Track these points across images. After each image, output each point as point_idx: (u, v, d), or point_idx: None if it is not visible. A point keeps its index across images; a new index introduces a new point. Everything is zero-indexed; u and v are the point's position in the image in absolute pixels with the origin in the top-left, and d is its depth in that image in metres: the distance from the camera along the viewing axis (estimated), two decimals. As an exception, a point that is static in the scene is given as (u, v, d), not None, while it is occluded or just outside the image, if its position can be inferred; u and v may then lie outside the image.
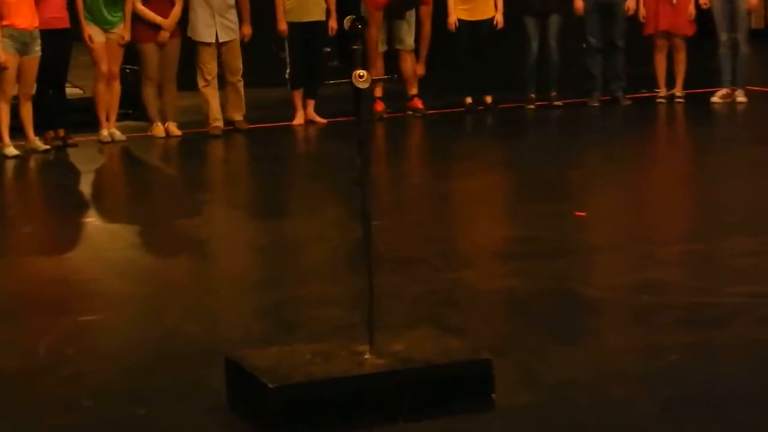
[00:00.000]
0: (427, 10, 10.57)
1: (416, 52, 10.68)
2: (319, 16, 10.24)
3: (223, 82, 10.18)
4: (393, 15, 10.48)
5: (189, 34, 10.08)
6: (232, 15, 10.01)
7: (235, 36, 10.08)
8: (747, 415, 3.69)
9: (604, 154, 9.08)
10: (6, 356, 4.73)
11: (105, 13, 9.72)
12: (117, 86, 9.96)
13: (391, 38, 10.56)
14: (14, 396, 4.24)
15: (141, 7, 9.80)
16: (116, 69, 9.93)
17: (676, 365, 4.28)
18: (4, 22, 9.06)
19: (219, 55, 10.07)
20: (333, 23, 10.20)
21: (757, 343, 4.48)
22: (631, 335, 4.69)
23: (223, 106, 10.16)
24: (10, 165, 9.06)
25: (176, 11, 9.92)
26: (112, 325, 5.20)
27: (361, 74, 3.88)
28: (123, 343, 4.94)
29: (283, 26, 10.23)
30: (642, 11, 10.67)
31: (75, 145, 9.66)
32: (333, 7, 10.27)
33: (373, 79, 3.97)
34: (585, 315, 4.95)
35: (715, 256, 5.89)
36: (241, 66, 10.14)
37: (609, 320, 4.90)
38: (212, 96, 10.06)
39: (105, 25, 9.73)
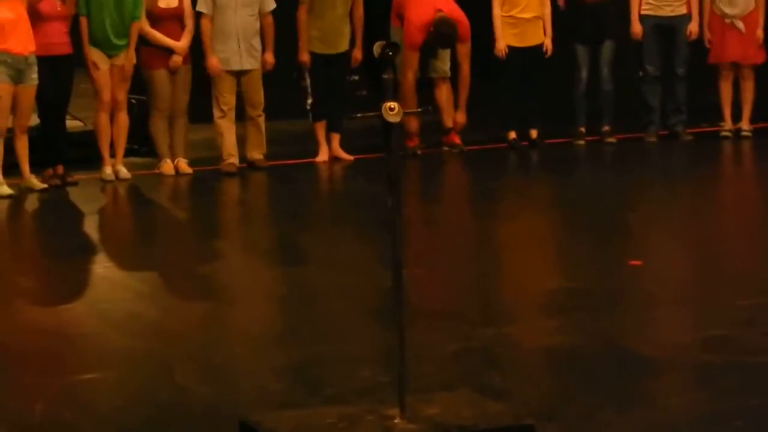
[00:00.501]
0: (465, 50, 10.60)
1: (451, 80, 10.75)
2: (344, 47, 10.31)
3: (241, 116, 10.20)
4: (428, 54, 10.54)
5: (211, 62, 10.09)
6: (257, 42, 10.08)
7: (257, 65, 10.15)
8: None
9: (663, 196, 9.07)
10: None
11: (112, 37, 9.78)
12: (124, 117, 10.02)
13: (425, 67, 10.59)
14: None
15: (150, 30, 9.87)
16: (123, 98, 9.97)
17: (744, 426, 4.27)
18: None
19: (238, 86, 10.11)
20: (357, 53, 10.24)
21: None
22: (691, 399, 4.67)
23: (242, 143, 10.18)
24: (3, 205, 9.12)
25: (188, 33, 9.99)
26: (114, 385, 5.21)
27: (392, 106, 3.90)
28: (125, 405, 4.95)
29: (305, 57, 10.28)
30: (707, 34, 10.69)
31: (75, 184, 9.72)
32: (359, 36, 10.29)
33: (405, 112, 4.00)
34: (641, 376, 4.93)
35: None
36: (263, 99, 10.18)
37: (667, 382, 4.88)
38: (228, 129, 10.11)
39: (110, 51, 9.79)
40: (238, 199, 9.76)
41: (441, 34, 10.32)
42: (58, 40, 9.55)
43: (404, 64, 10.27)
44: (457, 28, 10.44)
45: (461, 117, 10.68)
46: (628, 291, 6.28)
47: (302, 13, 10.27)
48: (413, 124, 10.42)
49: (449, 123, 10.69)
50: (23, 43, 9.24)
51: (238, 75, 10.09)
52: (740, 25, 10.55)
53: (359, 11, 10.37)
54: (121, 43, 9.81)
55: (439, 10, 10.37)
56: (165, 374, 5.26)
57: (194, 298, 6.74)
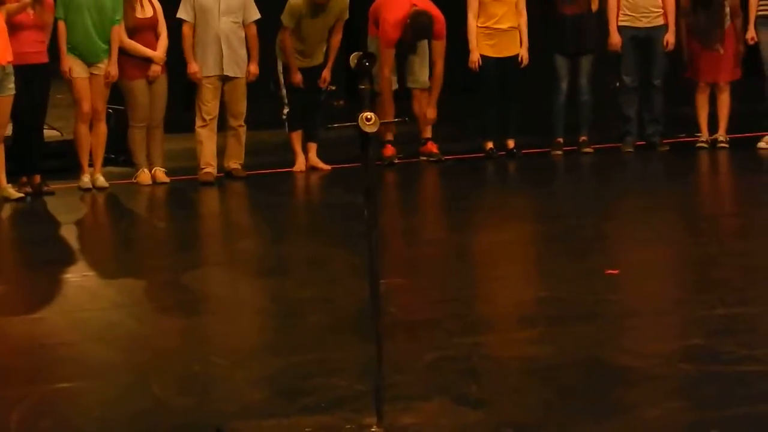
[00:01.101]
0: (439, 47, 10.65)
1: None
2: (320, 60, 10.43)
3: (222, 126, 10.19)
4: (405, 50, 10.57)
5: (190, 69, 10.09)
6: (243, 51, 10.09)
7: (242, 74, 10.18)
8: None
9: (640, 206, 9.10)
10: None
11: (96, 45, 9.77)
12: (103, 128, 10.01)
13: (403, 76, 10.61)
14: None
15: (128, 40, 9.86)
16: (102, 108, 9.97)
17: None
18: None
19: (222, 95, 10.10)
20: (327, 73, 10.31)
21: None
22: (669, 409, 4.68)
23: (220, 153, 10.18)
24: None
25: (164, 41, 10.00)
26: (92, 395, 5.20)
27: (369, 117, 3.91)
28: (103, 415, 4.94)
29: (297, 78, 10.34)
30: (685, 53, 10.76)
31: (52, 193, 9.71)
32: (332, 59, 10.33)
33: (381, 123, 4.00)
34: (619, 386, 4.94)
35: (764, 321, 5.89)
36: (245, 110, 10.18)
37: (645, 392, 4.89)
38: (208, 138, 10.12)
39: (90, 59, 9.77)
40: (215, 209, 9.75)
41: (417, 24, 10.37)
42: (33, 49, 9.52)
43: (381, 61, 10.36)
44: (432, 20, 10.49)
45: (432, 113, 10.70)
46: (605, 301, 6.30)
47: (286, 37, 10.32)
48: (390, 133, 10.44)
49: (427, 134, 10.71)
50: (0, 52, 9.23)
51: (222, 83, 10.07)
52: (719, 47, 10.59)
53: (338, 36, 10.43)
54: (101, 52, 9.79)
55: (414, 5, 10.43)
56: (142, 384, 5.25)
57: (172, 309, 6.73)
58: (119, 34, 9.81)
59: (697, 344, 5.49)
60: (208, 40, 10.03)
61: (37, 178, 9.76)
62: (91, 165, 9.90)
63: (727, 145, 10.78)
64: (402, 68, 10.68)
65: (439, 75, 10.69)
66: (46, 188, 9.73)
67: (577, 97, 10.81)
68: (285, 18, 10.33)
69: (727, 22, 10.64)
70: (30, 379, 5.51)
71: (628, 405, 4.73)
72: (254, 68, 10.18)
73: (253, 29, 10.18)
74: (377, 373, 3.91)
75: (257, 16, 10.18)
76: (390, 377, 3.98)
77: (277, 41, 10.36)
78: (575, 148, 10.82)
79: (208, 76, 10.02)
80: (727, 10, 10.64)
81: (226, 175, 10.20)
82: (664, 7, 10.68)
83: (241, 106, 10.19)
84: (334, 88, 10.85)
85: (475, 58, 10.66)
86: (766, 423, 4.46)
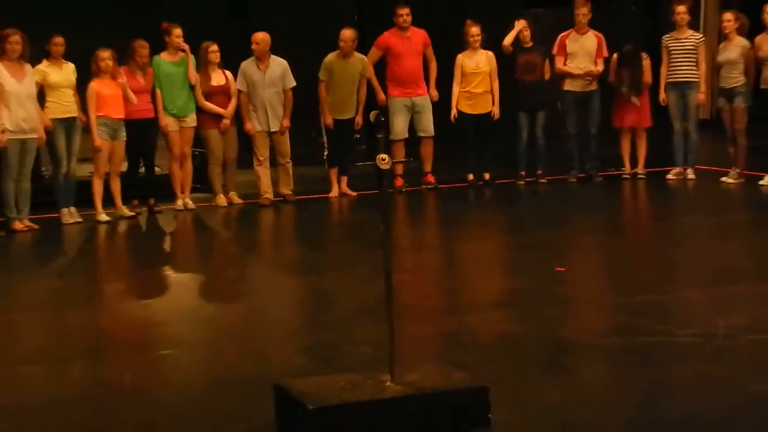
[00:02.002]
0: (430, 52, 10.62)
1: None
2: (350, 114, 10.28)
3: (274, 163, 10.19)
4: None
5: (247, 126, 10.08)
6: (281, 108, 10.06)
7: (277, 126, 10.07)
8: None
9: (580, 221, 9.09)
10: (95, 386, 4.75)
11: (182, 105, 9.78)
12: (189, 165, 9.98)
13: (415, 128, 10.54)
14: (102, 421, 4.25)
15: (204, 102, 9.85)
16: (188, 151, 9.97)
17: (642, 395, 4.26)
18: (100, 113, 9.14)
19: (271, 141, 10.10)
20: (359, 119, 10.23)
21: (707, 376, 4.47)
22: (603, 370, 4.67)
23: (275, 183, 10.17)
24: (102, 229, 9.11)
25: (233, 104, 9.99)
26: (181, 361, 5.21)
27: (383, 158, 3.93)
28: (190, 374, 4.95)
29: (329, 120, 10.25)
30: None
31: (160, 212, 9.70)
32: (361, 108, 10.26)
33: (393, 162, 4.02)
34: (565, 353, 4.93)
35: (672, 305, 5.87)
36: (289, 150, 10.16)
37: (585, 357, 4.88)
38: (264, 173, 10.09)
39: (179, 115, 9.78)
40: (271, 224, 9.73)
41: None
42: (144, 107, 9.54)
43: (369, 56, 10.44)
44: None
45: (433, 93, 10.66)
46: (556, 291, 6.27)
47: (322, 90, 10.23)
48: (400, 168, 10.41)
49: (427, 168, 10.67)
50: (118, 109, 9.24)
51: (270, 134, 10.06)
52: (635, 100, 10.58)
53: (363, 90, 10.31)
54: (188, 110, 9.80)
55: None
56: (218, 353, 5.26)
57: (238, 297, 6.74)
58: (200, 99, 9.81)
59: (623, 322, 5.47)
60: (257, 105, 9.98)
61: (152, 201, 9.77)
62: (182, 192, 9.90)
63: (644, 177, 10.74)
64: (415, 122, 10.58)
65: (433, 69, 10.68)
66: (156, 209, 9.74)
67: (535, 142, 10.76)
68: (320, 73, 10.23)
69: (645, 85, 10.62)
70: (139, 347, 5.52)
71: (572, 367, 4.73)
72: (286, 122, 10.04)
73: (289, 94, 10.07)
74: (390, 344, 3.90)
75: (293, 84, 10.07)
76: (399, 347, 3.97)
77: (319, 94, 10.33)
78: (534, 179, 10.77)
79: (259, 131, 10.01)
80: (647, 80, 10.62)
81: (280, 200, 10.18)
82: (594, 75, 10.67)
83: (286, 148, 10.11)
84: (359, 136, 10.83)
85: (453, 113, 10.60)
86: (674, 379, 4.45)
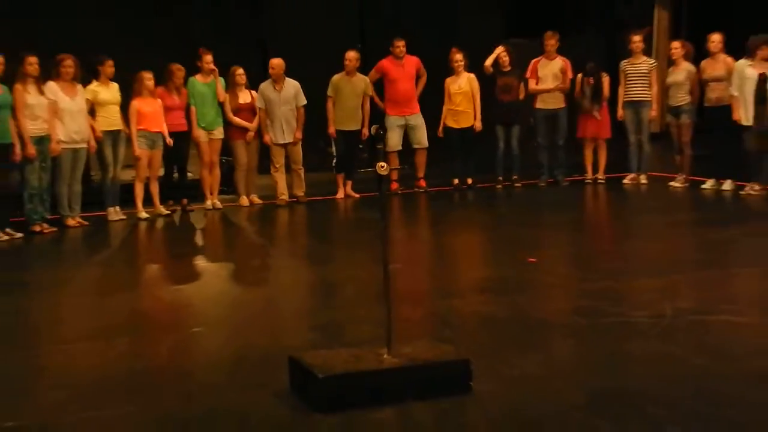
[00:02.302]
0: (423, 77, 10.65)
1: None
2: (356, 126, 10.28)
3: (289, 169, 10.19)
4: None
5: (265, 138, 10.07)
6: (294, 123, 10.06)
7: (291, 137, 10.06)
8: (652, 408, 3.69)
9: (550, 220, 9.09)
10: (137, 359, 4.75)
11: (211, 120, 9.78)
12: (217, 171, 9.99)
13: (410, 141, 10.54)
14: (143, 388, 4.26)
15: (232, 116, 9.87)
16: (216, 159, 9.97)
17: (602, 367, 4.27)
18: (140, 126, 9.16)
19: (285, 150, 10.10)
20: (365, 131, 10.23)
21: (656, 350, 4.48)
22: (569, 345, 4.68)
23: (290, 186, 10.17)
24: (142, 225, 9.13)
25: (257, 120, 10.00)
26: (210, 337, 5.21)
27: (382, 165, 3.94)
28: (218, 349, 4.95)
29: (332, 131, 10.29)
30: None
31: (192, 211, 9.70)
32: (366, 121, 10.27)
33: (391, 168, 4.02)
34: (537, 331, 4.94)
35: (627, 290, 5.88)
36: (302, 159, 10.16)
37: (552, 335, 4.89)
38: (280, 178, 10.10)
39: (209, 128, 9.79)
40: (286, 222, 9.73)
41: None
42: (179, 122, 9.56)
43: (369, 76, 10.44)
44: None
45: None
46: (528, 278, 6.29)
47: (330, 105, 10.23)
48: (396, 174, 10.40)
49: (419, 174, 10.66)
50: (156, 124, 9.26)
51: (284, 145, 10.06)
52: (596, 114, 10.60)
53: (367, 106, 10.32)
54: (216, 124, 9.81)
55: None
56: (240, 331, 5.27)
57: (258, 283, 6.75)
58: (228, 114, 9.84)
59: (586, 305, 5.48)
60: (274, 120, 9.96)
61: (185, 201, 9.77)
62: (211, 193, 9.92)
63: (604, 181, 10.75)
64: (409, 136, 10.57)
65: (423, 82, 10.66)
66: (189, 208, 9.74)
67: (511, 152, 10.76)
68: (329, 90, 10.24)
69: (604, 98, 10.63)
70: (174, 326, 5.53)
71: (543, 343, 4.74)
72: (299, 134, 10.01)
73: (302, 110, 10.05)
74: (387, 323, 3.91)
75: (304, 102, 10.05)
76: (395, 325, 3.98)
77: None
78: (510, 183, 10.77)
79: (275, 143, 10.01)
80: (606, 93, 10.63)
81: (294, 201, 10.18)
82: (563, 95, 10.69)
83: (299, 156, 10.09)
84: (362, 146, 10.83)
85: (440, 129, 10.64)
86: (629, 354, 4.46)
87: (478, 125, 10.64)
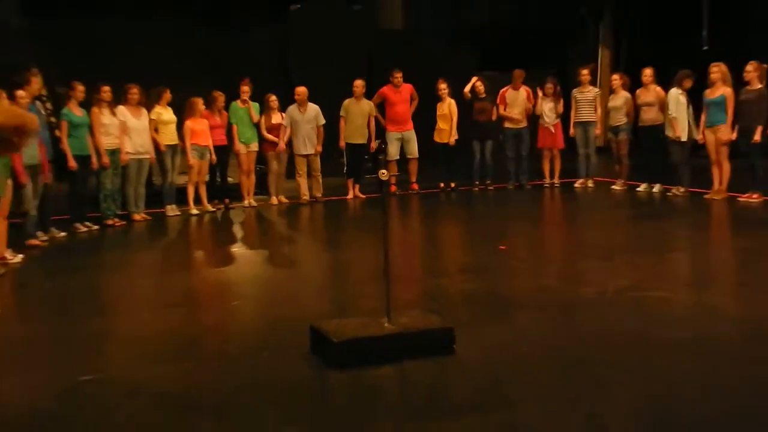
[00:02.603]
0: (416, 101, 10.50)
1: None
2: (362, 140, 10.24)
3: (309, 175, 10.16)
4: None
5: (293, 149, 10.05)
6: (315, 138, 10.04)
7: (314, 150, 10.05)
8: (598, 367, 3.67)
9: (516, 215, 9.09)
10: (190, 325, 4.75)
11: (249, 136, 9.75)
12: (253, 177, 9.95)
13: (405, 152, 10.49)
14: (196, 349, 4.25)
15: (267, 134, 9.86)
16: (253, 167, 9.94)
17: (559, 332, 4.26)
18: (192, 141, 9.16)
19: (307, 160, 10.08)
20: (372, 145, 10.20)
21: (601, 319, 4.46)
22: (532, 317, 4.67)
23: (310, 188, 10.15)
24: (193, 219, 9.10)
25: (286, 136, 9.97)
26: (246, 310, 5.20)
27: (383, 172, 3.93)
28: (253, 318, 4.95)
29: (342, 144, 10.27)
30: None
31: (233, 208, 9.67)
32: (372, 136, 10.24)
33: (390, 175, 4.01)
34: (507, 305, 4.94)
35: (577, 271, 5.87)
36: (319, 166, 10.14)
37: (520, 308, 4.88)
38: (302, 182, 10.07)
39: (247, 143, 9.76)
40: (307, 217, 9.71)
41: None
42: (220, 137, 9.54)
43: (373, 99, 10.38)
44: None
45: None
46: (500, 262, 6.28)
47: (342, 123, 10.21)
48: (394, 179, 10.36)
49: (413, 179, 10.62)
50: (204, 139, 9.25)
51: (306, 156, 10.03)
52: (552, 129, 10.60)
53: (372, 125, 10.28)
54: (253, 139, 9.78)
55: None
56: (272, 304, 5.26)
57: (285, 265, 6.73)
58: (263, 131, 9.83)
59: (545, 283, 5.48)
60: (298, 136, 9.93)
61: (227, 201, 9.73)
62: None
63: (558, 185, 10.73)
64: (404, 147, 10.53)
65: (415, 105, 10.53)
66: (230, 206, 9.70)
67: (485, 162, 10.71)
68: (341, 112, 10.20)
69: (558, 113, 10.61)
70: (218, 299, 5.53)
71: (512, 314, 4.74)
72: (318, 148, 9.97)
73: (321, 129, 9.99)
74: (387, 298, 3.90)
75: (323, 122, 10.00)
76: (394, 300, 3.96)
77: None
78: (484, 187, 10.75)
79: (299, 154, 9.98)
80: (559, 111, 10.62)
81: (313, 200, 10.17)
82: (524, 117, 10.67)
83: (317, 165, 10.04)
84: (367, 156, 10.79)
85: (436, 139, 10.65)
86: (579, 322, 4.44)
87: (452, 140, 10.61)
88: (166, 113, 9.12)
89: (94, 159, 8.27)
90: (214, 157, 9.39)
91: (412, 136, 10.53)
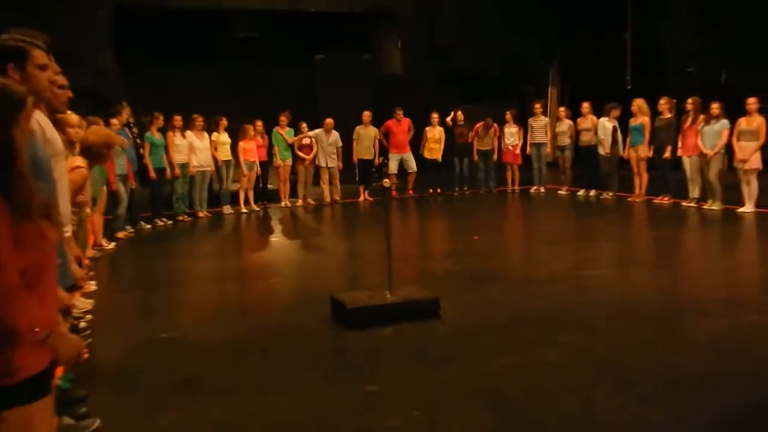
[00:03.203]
0: (411, 132, 10.34)
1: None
2: (370, 156, 10.20)
3: (330, 182, 10.11)
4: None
5: (316, 162, 10.04)
6: (335, 156, 10.03)
7: (334, 164, 10.06)
8: (544, 323, 3.66)
9: (487, 213, 9.06)
10: (241, 296, 4.73)
11: (285, 154, 9.73)
12: (288, 184, 9.91)
13: (404, 167, 10.38)
14: (244, 314, 4.24)
15: (299, 152, 9.82)
16: (287, 177, 9.89)
17: (515, 301, 4.25)
18: (244, 157, 9.15)
19: (328, 171, 10.05)
20: (376, 161, 10.18)
21: (549, 291, 4.45)
22: (498, 288, 4.66)
23: (331, 193, 10.11)
24: (243, 216, 9.08)
25: (314, 152, 9.95)
26: (283, 283, 5.19)
27: (386, 181, 3.93)
28: (287, 291, 4.95)
29: (355, 160, 10.24)
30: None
31: (269, 208, 9.67)
32: (377, 153, 10.21)
33: (391, 183, 4.02)
34: (478, 281, 4.93)
35: (532, 255, 5.86)
36: (338, 176, 10.10)
37: (489, 282, 4.87)
38: (325, 188, 10.02)
39: (283, 159, 9.74)
40: (329, 214, 9.68)
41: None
42: (263, 155, 9.51)
43: (381, 130, 10.18)
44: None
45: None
46: (473, 248, 6.27)
47: (355, 144, 10.15)
48: (394, 186, 10.26)
49: (409, 186, 10.55)
50: (252, 156, 9.21)
51: (328, 168, 10.02)
52: (515, 144, 10.59)
53: (376, 145, 10.20)
54: (287, 156, 9.75)
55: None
56: (302, 279, 5.26)
57: (312, 249, 6.69)
58: (295, 150, 9.78)
59: (508, 264, 5.46)
60: (323, 154, 9.87)
61: (266, 202, 9.73)
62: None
63: (518, 191, 10.70)
64: (402, 163, 10.45)
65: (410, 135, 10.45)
66: (268, 207, 9.67)
67: (463, 174, 10.68)
68: (354, 136, 10.13)
69: (518, 138, 10.58)
70: (261, 276, 5.47)
71: (482, 287, 4.71)
72: (340, 164, 9.94)
73: (339, 149, 9.92)
74: (389, 275, 3.91)
75: (340, 144, 9.95)
76: (395, 277, 3.97)
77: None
78: (463, 192, 10.68)
79: (322, 167, 9.96)
80: (520, 137, 10.59)
81: (332, 202, 10.15)
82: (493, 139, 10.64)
83: (336, 174, 10.01)
84: (374, 169, 10.72)
85: (425, 155, 10.59)
86: (533, 294, 4.43)
87: (439, 156, 10.58)
88: (222, 136, 9.11)
89: (168, 171, 8.31)
90: (259, 170, 9.38)
91: (410, 156, 10.48)
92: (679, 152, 8.33)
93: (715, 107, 7.84)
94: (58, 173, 2.23)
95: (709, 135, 7.83)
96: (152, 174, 8.12)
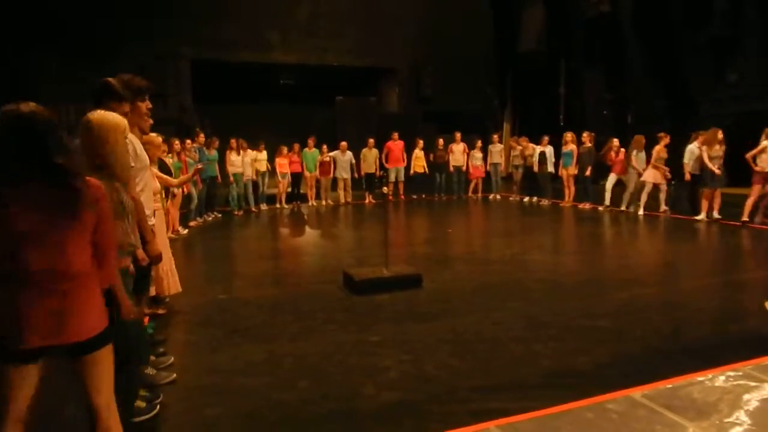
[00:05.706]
0: (403, 148, 10.21)
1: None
2: (373, 170, 10.09)
3: (344, 188, 10.05)
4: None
5: (335, 174, 9.98)
6: (348, 170, 9.98)
7: (347, 176, 9.93)
8: (497, 291, 3.65)
9: (459, 213, 9.00)
10: (278, 268, 4.68)
11: (311, 168, 9.66)
12: (314, 189, 9.84)
13: (397, 178, 10.31)
14: (278, 282, 4.19)
15: (319, 167, 9.74)
16: (313, 184, 9.80)
17: (479, 276, 4.23)
18: (279, 170, 9.10)
19: (343, 181, 9.98)
20: (377, 173, 10.14)
21: (510, 273, 4.44)
22: (464, 267, 4.64)
23: (344, 196, 10.03)
24: (276, 213, 8.98)
25: (332, 168, 9.86)
26: (308, 261, 5.14)
27: (386, 189, 3.93)
28: (312, 265, 4.90)
29: (362, 173, 10.11)
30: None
31: (300, 206, 9.59)
32: (377, 167, 10.15)
33: (388, 191, 4.00)
34: (449, 262, 4.91)
35: (489, 244, 5.81)
36: (350, 183, 10.02)
37: (459, 263, 4.85)
38: (340, 193, 9.87)
39: (311, 172, 9.66)
40: (342, 212, 9.61)
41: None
42: (295, 168, 9.41)
43: (382, 150, 9.97)
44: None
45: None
46: (446, 238, 6.23)
47: (362, 161, 9.99)
48: (391, 193, 10.20)
49: (400, 191, 10.47)
50: (285, 168, 9.16)
51: (343, 179, 9.93)
52: (479, 164, 10.55)
53: (377, 162, 10.11)
54: (313, 169, 9.67)
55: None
56: (322, 259, 5.19)
57: (330, 237, 6.60)
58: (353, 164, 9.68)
59: (471, 250, 5.40)
60: (339, 168, 9.78)
61: (297, 203, 9.64)
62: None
63: (480, 197, 10.67)
64: (396, 175, 10.37)
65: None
66: (300, 205, 9.59)
67: (441, 184, 10.60)
68: (361, 156, 9.95)
69: (479, 156, 10.52)
70: (295, 254, 5.41)
71: (453, 266, 4.66)
72: (356, 175, 9.79)
73: (352, 165, 9.79)
74: (386, 257, 3.90)
75: (353, 161, 9.83)
76: (390, 259, 3.94)
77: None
78: (440, 197, 10.59)
79: (339, 178, 9.84)
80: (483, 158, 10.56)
81: (345, 203, 10.08)
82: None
83: (349, 183, 9.87)
84: (377, 179, 10.64)
85: (411, 172, 10.45)
86: (495, 273, 4.41)
87: (425, 170, 10.53)
88: (260, 155, 9.07)
89: (219, 178, 8.30)
90: (290, 178, 9.31)
91: (401, 169, 10.44)
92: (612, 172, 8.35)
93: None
94: (144, 182, 2.28)
95: (640, 160, 7.93)
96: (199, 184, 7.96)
